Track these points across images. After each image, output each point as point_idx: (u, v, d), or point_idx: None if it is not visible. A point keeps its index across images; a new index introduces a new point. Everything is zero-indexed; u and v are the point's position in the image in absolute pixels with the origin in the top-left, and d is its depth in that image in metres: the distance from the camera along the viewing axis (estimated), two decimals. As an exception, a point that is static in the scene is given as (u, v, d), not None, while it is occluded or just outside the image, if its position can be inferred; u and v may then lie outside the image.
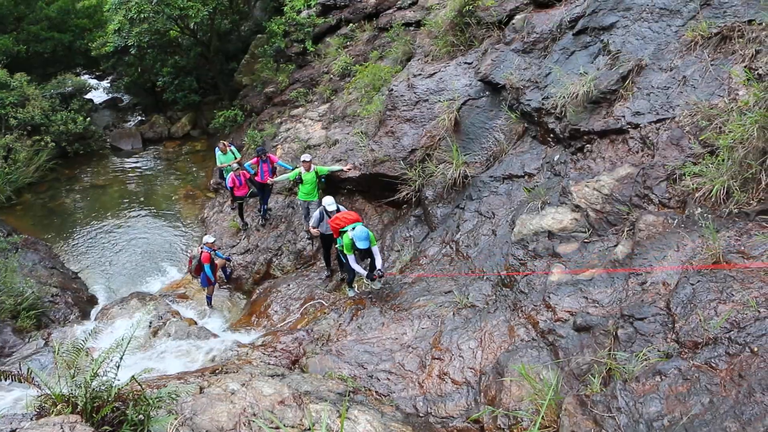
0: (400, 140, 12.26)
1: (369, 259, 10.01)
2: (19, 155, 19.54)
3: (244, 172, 14.67)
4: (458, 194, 10.81)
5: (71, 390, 4.62)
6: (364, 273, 9.85)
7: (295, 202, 14.63)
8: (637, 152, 7.68)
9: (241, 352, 9.01)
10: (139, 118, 27.29)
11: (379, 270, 9.51)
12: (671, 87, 7.87)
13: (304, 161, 12.65)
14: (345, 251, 9.67)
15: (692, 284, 5.33)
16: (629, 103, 8.20)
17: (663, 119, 7.60)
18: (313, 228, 11.37)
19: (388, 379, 7.72)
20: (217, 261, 12.92)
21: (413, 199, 11.82)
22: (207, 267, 12.41)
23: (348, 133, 14.41)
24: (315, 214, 11.32)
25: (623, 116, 8.14)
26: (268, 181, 14.09)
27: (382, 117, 13.06)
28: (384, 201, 12.59)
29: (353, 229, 9.46)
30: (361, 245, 9.27)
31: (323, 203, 10.97)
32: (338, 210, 10.84)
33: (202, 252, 12.43)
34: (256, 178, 14.35)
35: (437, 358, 7.62)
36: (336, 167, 12.99)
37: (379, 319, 9.03)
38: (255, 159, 14.20)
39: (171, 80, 23.65)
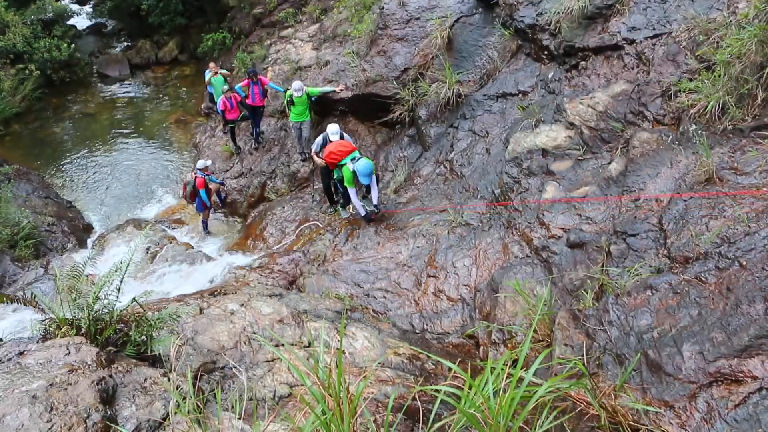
0: (392, 60, 12.01)
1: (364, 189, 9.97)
2: (3, 84, 19.01)
3: (235, 95, 14.42)
4: (452, 113, 10.69)
5: (74, 313, 4.67)
6: (364, 213, 9.59)
7: (287, 125, 14.44)
8: (633, 68, 7.54)
9: (238, 274, 9.11)
10: (125, 43, 26.49)
11: (376, 207, 9.38)
12: (668, 1, 7.64)
13: (296, 91, 12.35)
14: (346, 185, 9.42)
15: (684, 200, 5.34)
16: (625, 18, 7.98)
17: (659, 34, 7.42)
18: (316, 154, 11.01)
19: (385, 298, 7.85)
20: (212, 186, 12.87)
21: (407, 119, 11.66)
22: (202, 192, 12.36)
23: (339, 54, 14.10)
24: (318, 140, 10.84)
25: (619, 32, 7.93)
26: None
27: (373, 36, 12.74)
28: (377, 121, 12.45)
29: (353, 160, 9.18)
30: (364, 180, 9.07)
31: (328, 130, 10.58)
32: (341, 137, 10.54)
33: (196, 177, 12.34)
34: (247, 101, 14.13)
35: (432, 276, 7.73)
36: (328, 88, 12.73)
37: (374, 238, 9.11)
38: (246, 81, 13.94)
39: (155, 3, 22.75)
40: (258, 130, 14.95)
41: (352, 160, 9.18)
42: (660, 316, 4.50)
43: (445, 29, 11.24)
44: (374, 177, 9.28)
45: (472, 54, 11.02)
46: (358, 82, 12.41)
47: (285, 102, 12.88)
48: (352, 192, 9.41)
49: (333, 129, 10.45)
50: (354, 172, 9.08)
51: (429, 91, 11.05)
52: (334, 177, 10.05)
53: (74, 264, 5.89)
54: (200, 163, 12.67)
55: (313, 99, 12.68)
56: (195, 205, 12.94)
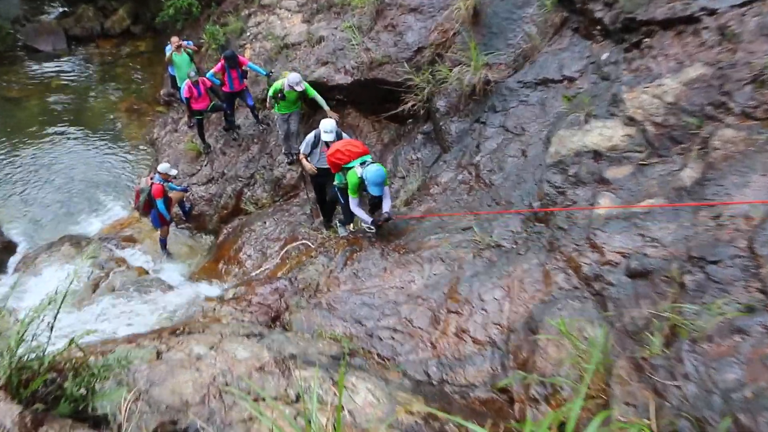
0: (402, 36, 12.14)
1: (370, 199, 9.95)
2: None
3: (204, 79, 14.46)
4: (478, 105, 10.72)
5: None
6: (369, 219, 9.54)
7: (270, 117, 14.48)
8: (713, 47, 7.47)
9: (207, 308, 9.05)
10: (61, 9, 26.69)
11: (387, 213, 9.31)
12: (762, -43, 7.61)
13: (294, 85, 12.35)
14: (349, 192, 9.38)
15: (783, 217, 5.26)
16: (704, -19, 7.95)
17: (750, 1, 7.35)
18: (304, 156, 11.03)
19: (393, 339, 7.76)
20: (172, 194, 12.86)
21: (421, 112, 11.75)
22: (159, 203, 12.36)
23: (336, 28, 14.16)
24: (308, 138, 10.94)
25: (695, -1, 7.89)
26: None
27: (379, 6, 12.88)
28: (384, 115, 12.53)
29: (362, 164, 9.14)
30: (375, 190, 9.04)
31: (321, 127, 10.61)
32: (339, 137, 10.55)
33: (152, 184, 12.33)
34: (223, 89, 14.23)
35: (454, 312, 7.63)
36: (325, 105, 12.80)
37: (380, 263, 9.04)
38: (219, 65, 14.11)
39: None
40: (233, 118, 15.05)
41: (361, 164, 9.16)
42: (753, 369, 4.38)
43: (470, -2, 11.26)
44: (387, 188, 9.30)
45: (505, 29, 11.08)
46: (360, 65, 12.48)
47: (271, 95, 12.82)
48: (353, 201, 9.40)
49: (328, 125, 10.46)
50: (362, 179, 9.06)
51: (449, 76, 11.11)
52: (335, 183, 10.03)
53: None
54: (162, 167, 12.65)
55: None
56: (150, 218, 12.93)
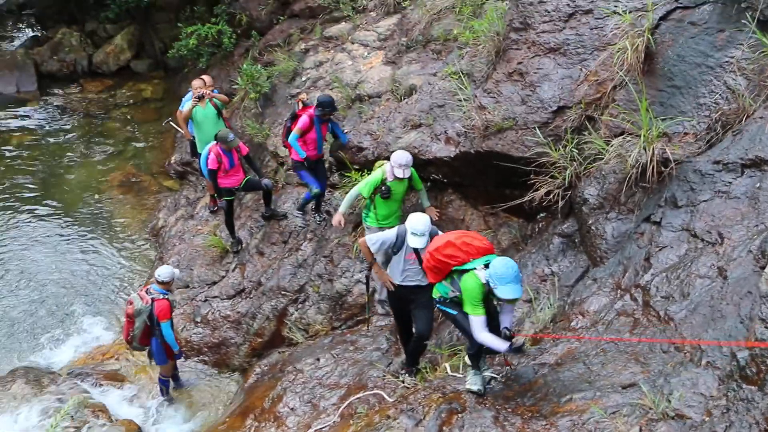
0: (535, 90, 12.23)
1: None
2: None
3: (242, 145, 14.72)
4: (650, 196, 10.67)
5: None
6: (505, 347, 8.90)
7: (330, 203, 14.62)
8: None
9: (227, 492, 9.01)
10: (31, 33, 27.54)
11: (506, 328, 9.05)
12: None
13: (399, 167, 12.17)
14: (467, 307, 8.86)
15: None
16: None
17: None
18: (370, 256, 10.99)
19: None
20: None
21: (560, 204, 11.64)
22: (166, 326, 12.42)
23: (435, 74, 14.36)
24: (384, 237, 10.85)
25: None
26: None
27: (501, 45, 12.98)
28: (502, 206, 12.49)
29: (486, 266, 8.75)
30: (507, 292, 8.46)
31: (409, 226, 10.49)
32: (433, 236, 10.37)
33: (154, 300, 12.41)
34: (306, 153, 14.42)
35: None
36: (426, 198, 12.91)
37: (493, 431, 8.89)
38: (307, 119, 14.26)
39: None
40: (309, 196, 15.08)
41: (485, 265, 8.79)
42: None
43: (641, 34, 11.30)
44: None
45: (694, 82, 11.01)
46: (470, 131, 12.57)
47: (366, 194, 12.74)
48: (480, 322, 8.80)
49: (419, 224, 10.34)
50: (486, 286, 8.66)
51: (605, 151, 11.10)
52: (436, 298, 9.60)
53: None
54: (162, 273, 12.75)
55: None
56: (152, 352, 12.97)
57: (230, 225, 15.38)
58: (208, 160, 14.73)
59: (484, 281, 8.59)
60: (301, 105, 15.61)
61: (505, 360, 9.27)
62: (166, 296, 12.43)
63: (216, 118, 16.13)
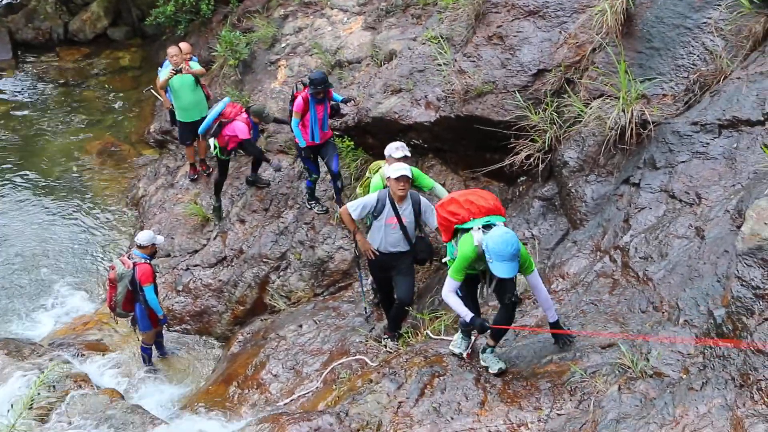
0: (515, 53, 12.30)
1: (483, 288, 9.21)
2: None
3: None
4: (629, 158, 10.75)
5: None
6: (468, 316, 8.61)
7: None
8: None
9: (211, 457, 9.05)
10: (4, 1, 27.40)
11: (553, 318, 8.74)
12: None
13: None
14: (451, 275, 8.54)
15: None
16: None
17: None
18: (352, 225, 10.99)
19: None
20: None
21: (540, 167, 11.69)
22: (149, 290, 12.42)
23: (414, 39, 14.37)
24: (365, 201, 10.79)
25: None
26: None
27: (480, 8, 13.01)
28: (483, 170, 12.55)
29: (485, 227, 8.30)
30: (500, 269, 7.98)
31: (387, 172, 10.54)
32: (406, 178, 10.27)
33: (136, 264, 12.41)
34: (304, 138, 14.01)
35: (590, 475, 7.52)
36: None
37: (474, 394, 8.93)
38: (301, 100, 13.73)
39: None
40: (338, 183, 14.60)
41: (485, 226, 8.36)
42: None
43: (620, -4, 11.40)
44: (536, 275, 8.59)
45: (673, 43, 11.07)
46: (450, 95, 12.60)
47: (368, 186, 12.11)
48: (451, 284, 8.57)
49: (397, 167, 10.35)
50: (478, 249, 8.21)
51: (585, 114, 11.13)
52: (446, 260, 9.22)
53: None
54: (141, 237, 12.74)
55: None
56: (136, 318, 12.97)
57: (218, 189, 15.36)
58: (236, 129, 14.61)
59: (477, 243, 8.16)
60: (301, 86, 15.50)
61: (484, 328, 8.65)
62: (148, 261, 12.44)
63: (194, 85, 16.04)
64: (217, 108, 14.92)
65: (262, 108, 14.63)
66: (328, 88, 13.55)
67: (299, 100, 13.58)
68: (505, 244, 7.81)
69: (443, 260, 9.56)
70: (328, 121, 13.80)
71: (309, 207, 14.75)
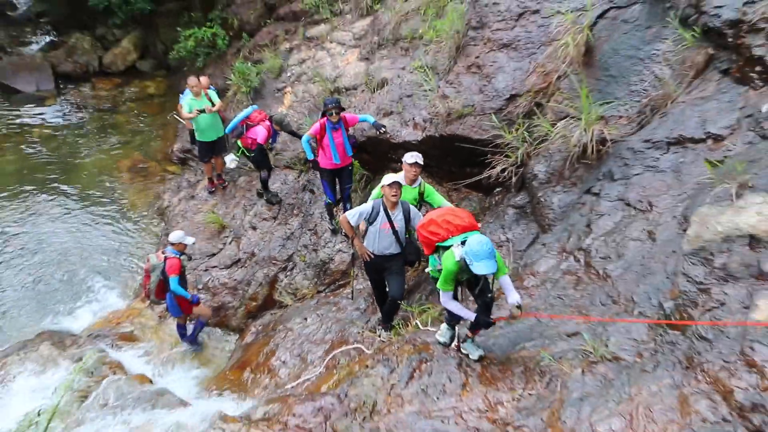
0: (491, 80, 12.36)
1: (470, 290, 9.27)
2: None
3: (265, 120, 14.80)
4: (590, 171, 10.83)
5: None
6: (471, 317, 8.74)
7: (314, 182, 14.72)
8: None
9: None
10: (48, 38, 27.38)
11: (519, 302, 8.64)
12: None
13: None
14: (439, 282, 8.63)
15: None
16: None
17: None
18: (351, 231, 11.01)
19: (476, 481, 7.73)
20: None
21: (513, 179, 11.88)
22: (173, 281, 12.53)
23: (403, 68, 14.43)
24: (362, 209, 10.87)
25: None
26: None
27: (461, 41, 13.14)
28: (464, 182, 12.67)
29: (463, 243, 8.37)
30: (482, 267, 8.06)
31: (383, 182, 10.66)
32: (398, 185, 10.42)
33: (166, 258, 12.58)
34: (322, 161, 13.71)
35: (556, 447, 7.62)
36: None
37: (457, 377, 9.05)
38: (318, 125, 13.39)
39: None
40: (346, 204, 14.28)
41: (462, 242, 8.44)
42: None
43: (581, 30, 11.48)
44: (507, 278, 8.68)
45: (627, 72, 11.18)
46: (435, 117, 12.66)
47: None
48: (446, 296, 8.68)
49: (393, 175, 10.57)
50: (462, 263, 8.30)
51: (552, 132, 11.26)
52: (428, 270, 9.35)
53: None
54: (175, 236, 12.90)
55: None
56: (167, 306, 13.13)
57: (265, 184, 15.43)
58: (257, 134, 14.88)
59: (458, 258, 8.25)
60: (288, 100, 15.72)
61: (488, 322, 8.76)
62: (178, 256, 12.67)
63: (211, 115, 16.14)
64: (244, 112, 15.22)
65: (283, 117, 14.70)
66: (335, 109, 13.04)
67: (316, 125, 13.34)
68: (481, 245, 8.00)
69: (426, 270, 9.65)
70: (349, 146, 13.35)
71: (331, 227, 14.47)
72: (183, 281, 12.82)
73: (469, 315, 8.62)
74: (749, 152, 8.80)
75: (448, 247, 8.51)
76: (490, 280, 8.84)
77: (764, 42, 9.28)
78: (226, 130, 15.55)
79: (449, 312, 9.19)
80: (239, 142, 15.27)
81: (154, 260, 12.91)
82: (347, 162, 13.61)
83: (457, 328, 9.71)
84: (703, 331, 7.49)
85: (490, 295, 8.89)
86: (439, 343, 9.65)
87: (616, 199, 10.14)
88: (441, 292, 8.61)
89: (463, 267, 8.28)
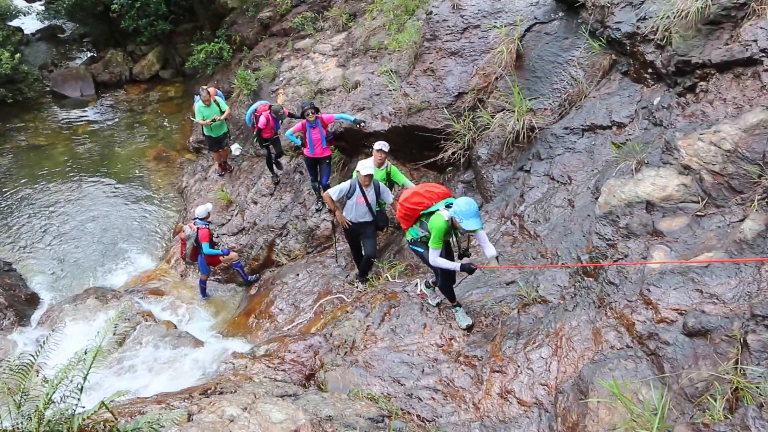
0: (442, 81, 12.33)
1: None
2: None
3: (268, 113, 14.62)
4: (522, 152, 10.82)
5: (17, 424, 4.54)
6: (457, 267, 8.31)
7: (302, 166, 14.65)
8: (774, 91, 7.44)
9: (238, 365, 9.08)
10: (89, 54, 27.31)
11: (496, 254, 8.40)
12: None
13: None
14: (431, 242, 8.19)
15: None
16: (764, 21, 7.89)
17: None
18: (332, 204, 10.90)
19: (433, 399, 7.72)
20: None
21: (461, 160, 11.90)
22: (206, 246, 12.76)
23: (372, 72, 14.37)
24: (341, 187, 10.74)
25: (755, 40, 7.80)
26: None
27: (418, 50, 13.09)
28: (422, 163, 12.68)
29: (447, 207, 8.17)
30: (472, 224, 7.77)
31: (359, 168, 10.64)
32: (377, 188, 10.62)
33: (198, 229, 12.66)
34: (305, 151, 13.47)
35: (498, 371, 7.60)
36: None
37: (419, 318, 9.05)
38: (300, 124, 13.10)
39: (130, 1, 22.97)
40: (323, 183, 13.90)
41: (446, 206, 8.22)
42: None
43: (513, 41, 11.51)
44: (483, 231, 8.38)
45: (549, 74, 11.20)
46: (398, 111, 12.62)
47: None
48: (436, 253, 8.24)
49: (369, 163, 10.58)
50: (450, 222, 8.05)
51: (491, 122, 11.29)
52: (408, 239, 8.95)
53: (13, 351, 5.83)
54: (200, 211, 13.01)
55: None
56: (198, 265, 13.27)
57: (271, 165, 15.27)
58: (259, 121, 14.60)
59: (447, 218, 7.99)
60: (281, 99, 15.59)
61: (473, 267, 8.33)
62: (207, 226, 12.92)
63: (219, 114, 16.01)
64: (253, 106, 15.05)
65: (279, 108, 14.54)
66: (309, 109, 12.65)
67: (299, 124, 13.08)
68: (469, 205, 7.71)
69: (406, 239, 9.08)
70: (325, 142, 13.04)
71: (317, 208, 14.17)
72: (213, 244, 12.94)
73: (456, 266, 8.28)
74: (645, 136, 8.84)
75: (430, 215, 8.25)
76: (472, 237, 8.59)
77: (654, 50, 9.34)
78: (246, 120, 15.38)
79: (434, 270, 8.83)
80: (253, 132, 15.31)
81: (188, 231, 13.00)
82: (325, 154, 13.28)
83: (419, 279, 9.77)
84: (611, 276, 7.54)
85: (467, 251, 8.76)
86: (429, 304, 9.30)
87: (543, 175, 10.17)
88: (431, 250, 8.20)
89: (451, 226, 8.05)
